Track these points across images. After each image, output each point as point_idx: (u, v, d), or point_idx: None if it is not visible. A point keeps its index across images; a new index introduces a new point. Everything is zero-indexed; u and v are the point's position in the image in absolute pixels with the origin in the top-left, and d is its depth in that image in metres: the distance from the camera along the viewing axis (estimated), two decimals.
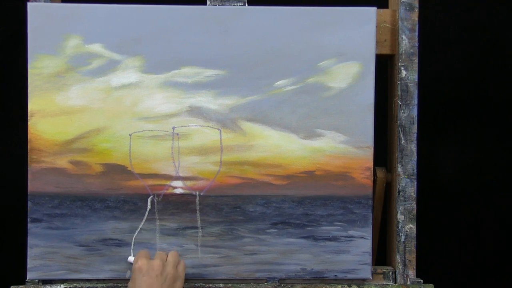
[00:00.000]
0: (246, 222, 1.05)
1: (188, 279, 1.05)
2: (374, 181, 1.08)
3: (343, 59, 1.04)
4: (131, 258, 1.03)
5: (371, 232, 1.06)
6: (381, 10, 1.08)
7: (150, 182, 1.04)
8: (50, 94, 1.04)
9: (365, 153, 1.04)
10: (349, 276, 1.06)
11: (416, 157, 1.07)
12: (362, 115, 1.04)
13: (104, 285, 1.05)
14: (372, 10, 1.05)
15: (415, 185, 1.07)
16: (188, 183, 1.05)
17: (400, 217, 1.07)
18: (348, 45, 1.04)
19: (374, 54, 1.04)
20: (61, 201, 1.04)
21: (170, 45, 1.04)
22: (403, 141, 1.06)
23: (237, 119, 1.04)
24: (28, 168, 1.04)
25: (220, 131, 1.05)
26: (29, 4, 1.04)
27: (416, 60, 1.06)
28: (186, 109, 1.04)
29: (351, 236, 1.05)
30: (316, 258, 1.05)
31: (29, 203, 1.04)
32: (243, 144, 1.05)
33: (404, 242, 1.07)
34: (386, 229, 1.14)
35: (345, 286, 1.05)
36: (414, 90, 1.06)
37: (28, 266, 1.04)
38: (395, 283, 1.08)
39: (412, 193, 1.07)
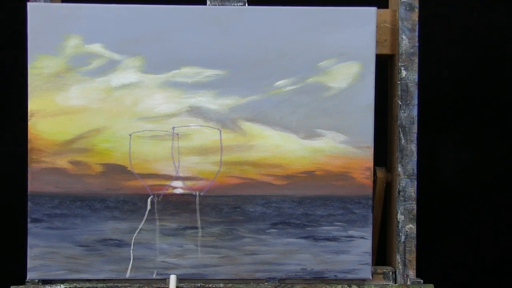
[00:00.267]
0: (246, 222, 1.05)
1: (188, 279, 1.05)
2: (374, 181, 1.08)
3: (343, 59, 1.04)
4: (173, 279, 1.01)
5: (371, 232, 1.06)
6: (381, 10, 1.08)
7: (150, 182, 1.04)
8: (50, 94, 1.04)
9: (365, 153, 1.04)
10: (349, 276, 1.06)
11: (416, 157, 1.06)
12: (362, 115, 1.04)
13: (104, 285, 1.05)
14: (372, 10, 1.05)
15: (415, 185, 1.07)
16: (188, 183, 1.05)
17: (400, 217, 1.07)
18: (348, 45, 1.04)
19: (374, 54, 1.04)
20: (61, 201, 1.04)
21: (170, 45, 1.04)
22: (403, 141, 1.06)
23: (237, 119, 1.04)
24: (28, 168, 1.04)
25: (220, 131, 1.05)
26: (29, 4, 1.04)
27: (416, 60, 1.06)
28: (186, 109, 1.04)
29: (351, 236, 1.05)
30: (316, 258, 1.05)
31: (29, 203, 1.04)
32: (243, 144, 1.05)
33: (404, 242, 1.07)
34: (386, 229, 1.14)
35: (345, 286, 1.05)
36: (414, 90, 1.06)
37: (28, 266, 1.04)
38: (395, 283, 1.08)
39: (412, 193, 1.07)
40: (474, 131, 1.44)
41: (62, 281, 1.05)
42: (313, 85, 1.04)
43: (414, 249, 1.07)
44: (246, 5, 1.06)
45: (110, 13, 1.03)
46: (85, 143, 1.04)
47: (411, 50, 1.06)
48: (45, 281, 1.05)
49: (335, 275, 1.06)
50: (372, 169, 1.05)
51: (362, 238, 1.05)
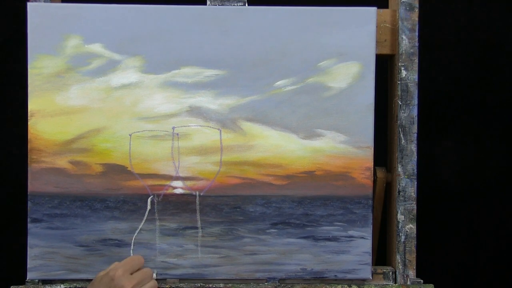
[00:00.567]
0: (246, 222, 1.05)
1: (188, 279, 1.05)
2: (374, 181, 1.08)
3: (343, 59, 1.04)
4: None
5: (371, 232, 1.06)
6: (381, 10, 1.08)
7: (150, 182, 1.04)
8: (50, 94, 1.04)
9: (365, 153, 1.04)
10: (349, 276, 1.06)
11: (416, 157, 1.06)
12: (362, 115, 1.04)
13: None
14: (372, 10, 1.04)
15: (415, 185, 1.07)
16: (188, 183, 1.05)
17: (400, 217, 1.07)
18: (348, 45, 1.04)
19: (374, 54, 1.04)
20: (61, 201, 1.04)
21: (170, 45, 1.04)
22: (403, 141, 1.06)
23: (237, 119, 1.04)
24: (28, 168, 1.04)
25: (220, 131, 1.05)
26: (29, 4, 1.04)
27: (416, 60, 1.06)
28: (186, 109, 1.04)
29: (351, 236, 1.05)
30: (316, 258, 1.05)
31: (29, 203, 1.04)
32: (243, 144, 1.05)
33: (404, 242, 1.07)
34: (386, 229, 1.14)
35: (345, 286, 1.05)
36: (414, 90, 1.06)
37: (28, 266, 1.04)
38: (395, 283, 1.08)
39: (412, 193, 1.07)
40: (474, 131, 1.44)
41: (62, 281, 1.05)
42: (313, 85, 1.04)
43: (414, 249, 1.07)
44: (246, 5, 1.06)
45: (110, 13, 1.03)
46: (85, 143, 1.04)
47: (411, 50, 1.06)
48: (45, 281, 1.05)
49: (335, 275, 1.06)
50: (372, 169, 1.05)
51: (362, 238, 1.05)
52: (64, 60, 1.03)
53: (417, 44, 1.06)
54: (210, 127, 1.05)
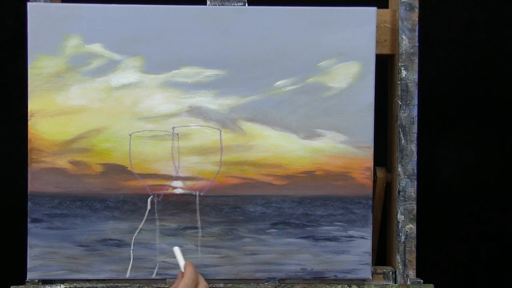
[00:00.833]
0: (246, 222, 1.05)
1: None
2: (374, 181, 1.08)
3: (343, 59, 1.04)
4: (177, 251, 1.00)
5: (371, 232, 1.06)
6: (381, 10, 1.08)
7: (150, 182, 1.04)
8: (50, 94, 1.04)
9: (365, 153, 1.04)
10: (349, 276, 1.06)
11: (416, 157, 1.07)
12: (362, 115, 1.04)
13: (104, 285, 1.05)
14: (372, 10, 1.04)
15: (415, 185, 1.07)
16: (188, 183, 1.05)
17: (400, 217, 1.07)
18: (348, 45, 1.04)
19: (374, 54, 1.04)
20: (61, 201, 1.04)
21: (170, 45, 1.04)
22: (403, 141, 1.06)
23: (237, 119, 1.04)
24: (28, 168, 1.04)
25: (220, 131, 1.05)
26: (29, 4, 1.04)
27: (416, 60, 1.06)
28: (186, 109, 1.04)
29: (351, 236, 1.05)
30: (316, 258, 1.05)
31: (29, 203, 1.04)
32: (243, 144, 1.05)
33: (404, 242, 1.07)
34: (386, 229, 1.14)
35: (345, 286, 1.05)
36: (414, 90, 1.06)
37: (28, 266, 1.04)
38: (395, 283, 1.08)
39: (412, 193, 1.07)
40: (474, 131, 1.44)
41: (62, 281, 1.05)
42: (313, 85, 1.04)
43: (414, 249, 1.07)
44: (246, 5, 1.06)
45: (110, 13, 1.03)
46: (85, 143, 1.04)
47: (411, 50, 1.06)
48: (45, 281, 1.05)
49: (335, 275, 1.06)
50: (372, 169, 1.05)
51: (362, 238, 1.05)
52: (64, 60, 1.03)
53: (417, 44, 1.06)
54: (210, 127, 1.05)
